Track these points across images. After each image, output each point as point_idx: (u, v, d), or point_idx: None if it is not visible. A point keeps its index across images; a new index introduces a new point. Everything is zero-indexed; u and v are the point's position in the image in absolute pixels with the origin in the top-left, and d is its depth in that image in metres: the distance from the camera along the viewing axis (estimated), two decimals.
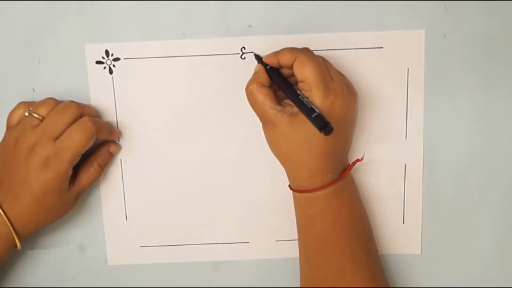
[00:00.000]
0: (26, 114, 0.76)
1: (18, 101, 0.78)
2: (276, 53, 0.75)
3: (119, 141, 0.81)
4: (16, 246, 0.76)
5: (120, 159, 0.82)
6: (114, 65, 0.79)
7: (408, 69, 0.80)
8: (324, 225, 0.76)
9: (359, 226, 0.79)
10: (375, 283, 0.77)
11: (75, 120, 0.76)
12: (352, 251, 0.77)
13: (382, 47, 0.80)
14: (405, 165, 0.83)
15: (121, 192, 0.83)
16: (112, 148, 0.81)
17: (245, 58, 0.79)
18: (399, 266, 0.86)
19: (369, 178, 0.83)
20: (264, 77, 0.75)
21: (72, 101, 0.77)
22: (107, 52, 0.79)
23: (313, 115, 0.70)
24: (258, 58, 0.78)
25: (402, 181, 0.84)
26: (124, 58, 0.79)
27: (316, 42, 0.79)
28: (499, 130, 0.82)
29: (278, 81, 0.75)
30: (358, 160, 0.79)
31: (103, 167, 0.81)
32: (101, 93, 0.80)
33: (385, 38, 0.79)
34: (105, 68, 0.79)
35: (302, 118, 0.71)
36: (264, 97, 0.74)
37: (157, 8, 0.78)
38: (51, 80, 0.80)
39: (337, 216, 0.77)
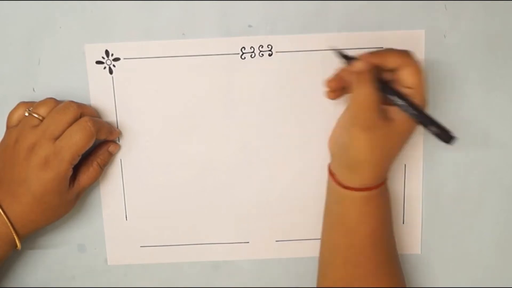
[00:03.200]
0: (26, 114, 0.76)
1: (18, 101, 0.78)
2: (378, 54, 0.73)
3: (119, 141, 0.81)
4: (16, 246, 0.76)
5: (120, 159, 0.82)
6: (114, 65, 0.79)
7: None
8: (375, 224, 0.76)
9: (391, 226, 0.79)
10: (402, 282, 0.79)
11: (75, 120, 0.76)
12: (390, 249, 0.78)
13: (381, 47, 0.80)
14: (405, 165, 0.83)
15: (121, 192, 0.83)
16: (111, 147, 0.81)
17: (245, 58, 0.79)
18: None
19: None
20: (370, 79, 0.71)
21: (72, 101, 0.76)
22: (107, 52, 0.79)
23: (438, 129, 0.70)
24: (347, 57, 0.74)
25: (402, 181, 0.84)
26: (124, 58, 0.79)
27: (316, 42, 0.79)
28: (499, 130, 0.82)
29: (388, 90, 0.72)
30: None
31: (103, 167, 0.81)
32: (101, 93, 0.80)
33: (384, 38, 0.79)
34: (105, 68, 0.79)
35: (398, 124, 0.72)
36: (378, 102, 0.71)
37: (157, 8, 0.78)
38: (51, 80, 0.80)
39: (385, 216, 0.77)
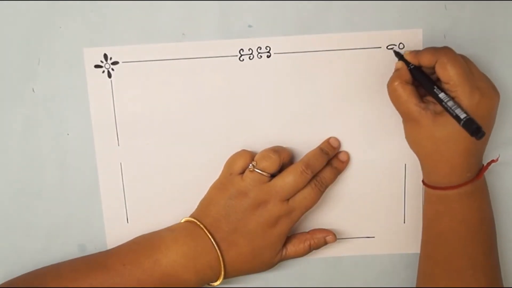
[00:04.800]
0: (250, 168, 0.78)
1: (18, 101, 0.79)
2: (417, 54, 0.74)
3: (118, 145, 0.81)
4: (214, 281, 0.80)
5: (120, 162, 0.82)
6: (112, 69, 0.79)
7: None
8: (450, 224, 0.77)
9: (484, 230, 0.78)
10: (493, 284, 0.78)
11: (306, 182, 0.78)
12: (473, 253, 0.77)
13: (380, 47, 0.79)
14: (405, 164, 0.83)
15: (121, 195, 0.83)
16: (329, 238, 0.83)
17: (243, 60, 0.79)
18: (399, 266, 0.87)
19: (369, 178, 0.84)
20: (407, 74, 0.75)
21: (302, 164, 0.78)
22: (105, 56, 0.79)
23: (464, 120, 0.70)
24: (399, 55, 0.77)
25: (402, 181, 0.84)
26: (122, 62, 0.79)
27: (316, 42, 0.79)
28: (498, 129, 0.81)
29: (424, 83, 0.75)
30: (493, 161, 0.79)
31: (312, 250, 0.83)
32: (100, 97, 0.80)
33: (382, 37, 0.79)
34: (103, 72, 0.79)
35: (447, 117, 0.72)
36: (408, 95, 0.74)
37: (156, 9, 0.78)
38: (50, 81, 0.80)
39: (464, 217, 0.76)
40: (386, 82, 0.79)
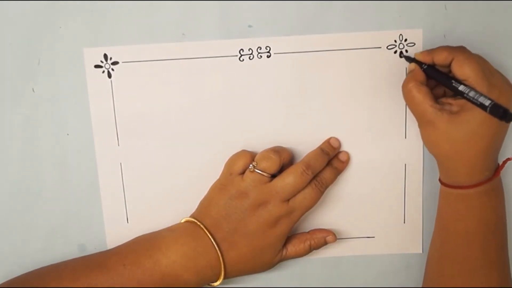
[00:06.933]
0: (251, 168, 0.78)
1: (18, 101, 0.79)
2: (431, 52, 0.75)
3: (118, 145, 0.81)
4: (215, 282, 0.80)
5: (120, 163, 0.82)
6: (112, 69, 0.79)
7: (406, 68, 0.79)
8: (470, 223, 0.76)
9: (499, 228, 0.78)
10: (505, 285, 0.78)
11: (307, 182, 0.78)
12: (489, 252, 0.77)
13: (380, 47, 0.79)
14: (405, 164, 0.83)
15: (121, 195, 0.83)
16: (329, 238, 0.83)
17: (243, 60, 0.79)
18: (400, 266, 0.87)
19: (369, 178, 0.84)
20: (421, 75, 0.75)
21: (301, 164, 0.78)
22: (105, 56, 0.79)
23: (490, 106, 0.70)
24: (409, 58, 0.77)
25: (402, 181, 0.84)
26: (122, 62, 0.79)
27: (316, 42, 0.79)
28: (510, 128, 0.81)
29: (441, 79, 0.75)
30: (509, 159, 0.79)
31: (312, 250, 0.83)
32: (100, 97, 0.80)
33: (382, 37, 0.79)
34: (103, 72, 0.79)
35: (464, 116, 0.72)
36: (423, 96, 0.73)
37: (156, 9, 0.78)
38: (50, 81, 0.79)
39: (483, 215, 0.76)
40: (386, 82, 0.80)
